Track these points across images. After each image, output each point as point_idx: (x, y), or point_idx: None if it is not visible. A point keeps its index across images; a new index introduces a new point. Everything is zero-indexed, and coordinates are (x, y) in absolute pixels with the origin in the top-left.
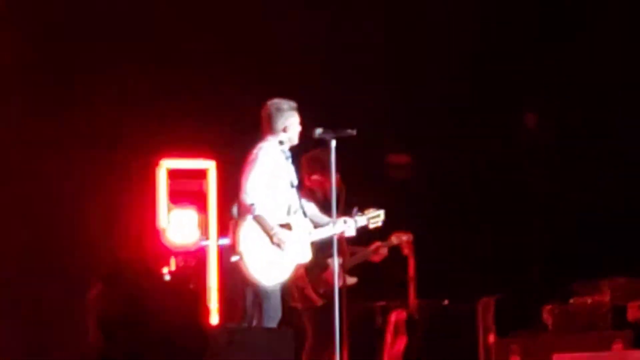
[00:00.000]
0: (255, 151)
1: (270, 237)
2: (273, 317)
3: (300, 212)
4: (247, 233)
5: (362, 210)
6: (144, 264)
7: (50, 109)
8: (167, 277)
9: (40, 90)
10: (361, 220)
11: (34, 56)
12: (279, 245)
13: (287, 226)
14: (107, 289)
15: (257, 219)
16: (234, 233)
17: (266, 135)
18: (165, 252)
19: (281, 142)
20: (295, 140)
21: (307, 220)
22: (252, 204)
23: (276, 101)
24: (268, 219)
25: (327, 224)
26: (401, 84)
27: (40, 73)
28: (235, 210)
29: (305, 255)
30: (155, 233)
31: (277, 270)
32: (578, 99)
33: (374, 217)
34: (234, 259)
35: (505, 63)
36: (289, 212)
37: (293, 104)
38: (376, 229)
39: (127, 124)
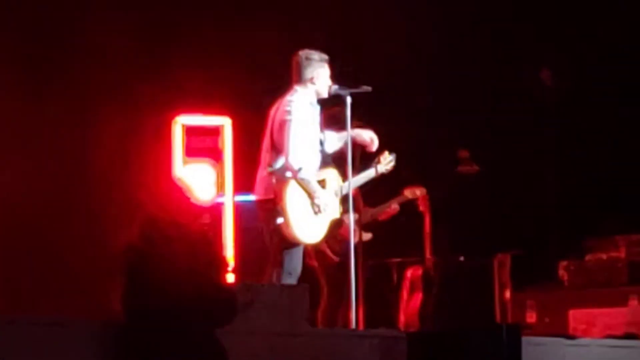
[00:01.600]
0: (286, 107)
1: (312, 199)
2: (293, 274)
3: (328, 164)
4: (292, 194)
5: (378, 158)
6: (174, 217)
7: (64, 65)
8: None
9: (51, 45)
10: (381, 168)
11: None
12: (319, 208)
13: (321, 183)
14: (141, 246)
15: (302, 182)
16: (279, 194)
17: (294, 85)
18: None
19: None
20: (323, 93)
21: (337, 173)
22: (300, 168)
23: (307, 51)
24: (313, 182)
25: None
26: (416, 41)
27: (47, 29)
28: (277, 164)
29: (337, 211)
30: (178, 188)
31: (315, 228)
32: (594, 54)
33: (389, 162)
34: (279, 221)
35: (521, 18)
36: (319, 163)
37: (324, 56)
38: (389, 187)
39: (141, 80)
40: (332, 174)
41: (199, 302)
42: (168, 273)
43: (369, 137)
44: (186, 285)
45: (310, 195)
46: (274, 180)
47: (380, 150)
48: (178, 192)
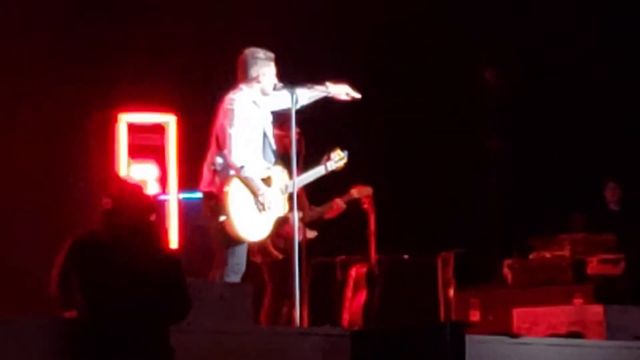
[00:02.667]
0: (228, 106)
1: (256, 197)
2: (236, 271)
3: (275, 161)
4: (235, 192)
5: (328, 155)
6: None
7: (5, 65)
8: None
9: None
10: (331, 165)
11: None
12: (263, 206)
13: (267, 180)
14: (106, 236)
15: (246, 180)
16: (221, 192)
17: (239, 83)
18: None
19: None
20: (268, 92)
21: (284, 171)
22: (242, 167)
23: (253, 49)
24: (256, 180)
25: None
26: (360, 36)
27: None
28: (219, 161)
29: (283, 209)
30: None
31: (260, 226)
32: (537, 52)
33: (341, 159)
34: (221, 218)
35: (465, 17)
36: (264, 161)
37: (270, 54)
38: (336, 185)
39: (84, 77)
40: (278, 172)
41: (161, 294)
42: (132, 264)
43: (345, 93)
44: (149, 276)
45: (254, 193)
46: (217, 179)
47: (331, 147)
48: (132, 187)
